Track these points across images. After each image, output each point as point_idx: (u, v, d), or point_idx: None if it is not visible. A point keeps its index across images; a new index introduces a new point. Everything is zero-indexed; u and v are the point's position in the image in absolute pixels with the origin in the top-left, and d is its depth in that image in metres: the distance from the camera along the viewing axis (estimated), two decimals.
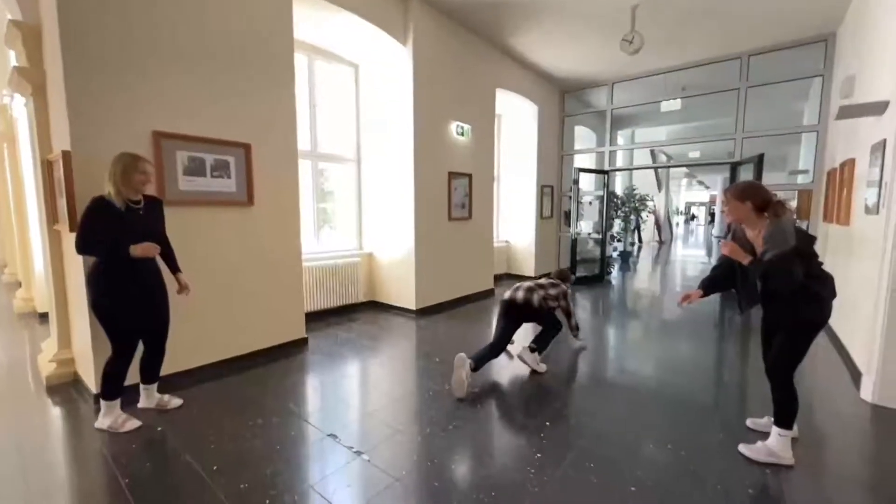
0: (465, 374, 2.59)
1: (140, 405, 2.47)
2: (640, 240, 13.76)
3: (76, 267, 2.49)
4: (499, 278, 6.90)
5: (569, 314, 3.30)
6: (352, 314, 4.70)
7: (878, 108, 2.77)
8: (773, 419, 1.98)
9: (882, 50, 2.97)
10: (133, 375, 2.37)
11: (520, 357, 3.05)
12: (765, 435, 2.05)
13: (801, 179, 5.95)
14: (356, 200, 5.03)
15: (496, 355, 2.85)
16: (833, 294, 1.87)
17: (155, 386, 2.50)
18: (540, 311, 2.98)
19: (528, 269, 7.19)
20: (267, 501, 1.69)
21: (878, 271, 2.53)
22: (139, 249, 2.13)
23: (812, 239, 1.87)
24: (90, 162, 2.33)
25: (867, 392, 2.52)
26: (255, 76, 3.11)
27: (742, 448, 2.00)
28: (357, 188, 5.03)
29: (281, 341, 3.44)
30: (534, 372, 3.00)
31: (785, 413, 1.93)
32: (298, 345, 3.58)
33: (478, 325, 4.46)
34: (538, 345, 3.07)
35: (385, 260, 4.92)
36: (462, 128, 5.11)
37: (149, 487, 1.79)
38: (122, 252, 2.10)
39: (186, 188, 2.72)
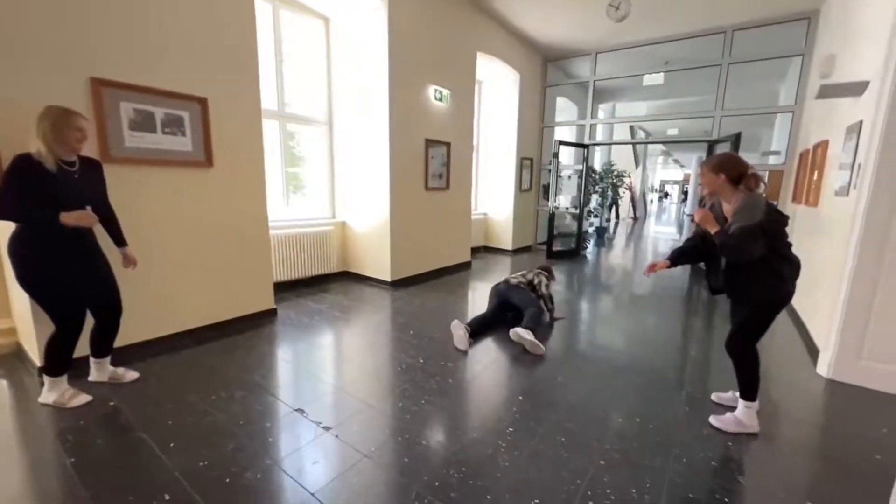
0: (464, 333, 3.00)
1: (91, 378, 2.31)
2: (616, 216, 13.99)
3: (10, 228, 2.24)
4: (476, 251, 6.85)
5: (546, 288, 3.57)
6: (324, 285, 4.56)
7: (859, 88, 2.76)
8: (738, 394, 2.04)
9: (867, 29, 2.94)
10: (83, 347, 2.19)
11: (517, 335, 2.98)
12: (730, 409, 2.12)
13: (772, 160, 6.06)
14: (328, 166, 4.78)
15: (485, 328, 3.26)
16: (796, 276, 1.89)
17: (108, 359, 2.33)
18: (517, 287, 3.44)
19: (506, 242, 7.16)
20: (228, 479, 1.61)
21: (843, 252, 2.59)
22: (71, 218, 1.87)
23: (784, 218, 1.86)
24: (13, 109, 2.04)
25: (823, 368, 2.64)
26: (209, 20, 2.79)
27: (712, 419, 2.06)
28: (329, 153, 4.77)
29: (248, 312, 3.30)
30: (525, 350, 2.94)
31: (748, 387, 1.99)
32: (267, 315, 3.44)
33: (454, 297, 4.42)
34: (528, 323, 3.08)
35: (359, 229, 4.76)
36: (440, 92, 4.87)
37: (96, 466, 1.68)
38: (52, 220, 1.84)
39: (134, 144, 2.46)
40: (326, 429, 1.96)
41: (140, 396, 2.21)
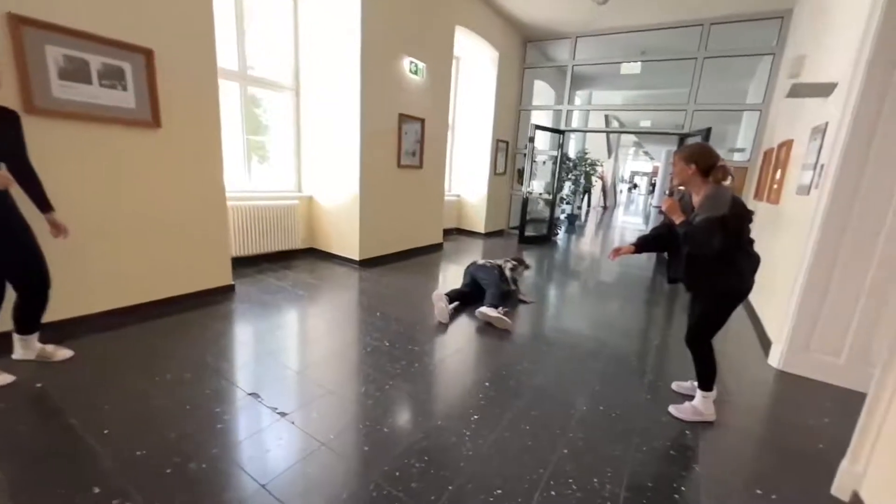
0: (445, 304, 3.05)
1: (15, 356, 2.08)
2: (588, 204, 14.22)
3: None
4: (448, 233, 6.76)
5: (511, 272, 3.68)
6: (288, 261, 4.35)
7: (827, 89, 2.81)
8: (696, 383, 2.09)
9: (837, 31, 2.99)
10: (6, 321, 1.97)
11: (482, 314, 3.04)
12: (688, 397, 2.17)
13: (737, 157, 6.25)
14: (295, 136, 4.50)
15: (460, 300, 3.33)
16: (754, 270, 1.92)
17: (35, 335, 2.10)
18: (484, 267, 3.53)
19: (479, 225, 7.10)
20: (168, 470, 1.48)
21: (800, 249, 2.68)
22: None
23: (749, 213, 1.88)
24: None
25: (775, 359, 2.76)
26: None
27: (671, 409, 2.10)
28: (296, 122, 4.48)
29: (201, 288, 3.09)
30: (494, 327, 3.00)
31: (705, 377, 2.04)
32: (223, 292, 3.24)
33: (423, 278, 4.33)
34: (491, 300, 3.15)
35: (327, 205, 4.54)
36: (416, 65, 4.64)
37: (18, 455, 1.50)
38: None
39: (63, 96, 2.16)
40: (282, 415, 1.85)
41: (72, 377, 2.01)
